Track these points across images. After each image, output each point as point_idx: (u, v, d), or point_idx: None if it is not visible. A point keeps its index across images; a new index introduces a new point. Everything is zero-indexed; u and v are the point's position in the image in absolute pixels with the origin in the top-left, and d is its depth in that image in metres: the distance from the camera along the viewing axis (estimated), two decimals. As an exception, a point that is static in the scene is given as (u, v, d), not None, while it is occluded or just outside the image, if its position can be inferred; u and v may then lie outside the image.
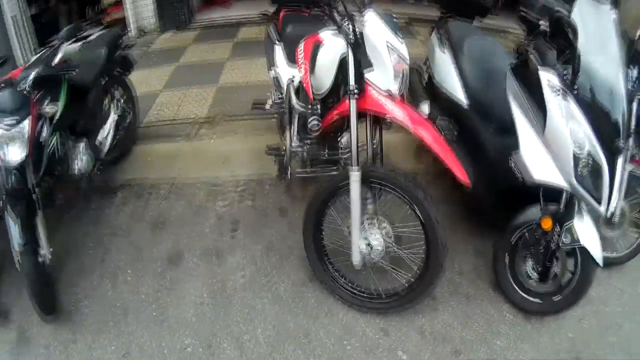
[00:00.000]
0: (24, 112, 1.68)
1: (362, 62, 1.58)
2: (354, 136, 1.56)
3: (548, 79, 1.58)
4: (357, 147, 1.57)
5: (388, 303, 1.78)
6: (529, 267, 1.83)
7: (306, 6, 2.12)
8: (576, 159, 1.52)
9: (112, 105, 2.53)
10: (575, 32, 1.52)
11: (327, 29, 1.79)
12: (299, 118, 1.97)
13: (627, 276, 2.01)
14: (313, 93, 1.79)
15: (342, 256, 1.80)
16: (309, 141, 1.99)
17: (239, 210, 2.39)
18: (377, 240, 1.66)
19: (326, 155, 2.02)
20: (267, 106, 2.47)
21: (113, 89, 2.59)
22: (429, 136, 1.51)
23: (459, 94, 2.13)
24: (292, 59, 2.14)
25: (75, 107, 2.11)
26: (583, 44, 1.52)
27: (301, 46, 1.83)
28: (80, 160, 2.13)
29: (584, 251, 1.61)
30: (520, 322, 1.81)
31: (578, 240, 1.60)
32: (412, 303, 1.76)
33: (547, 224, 1.66)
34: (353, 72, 1.55)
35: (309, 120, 1.72)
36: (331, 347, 1.70)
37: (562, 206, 1.64)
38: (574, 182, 1.54)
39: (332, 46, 1.69)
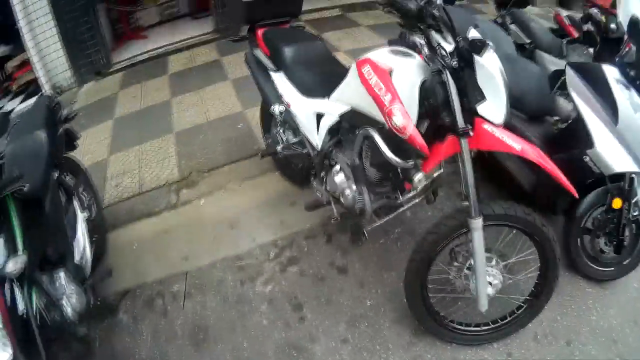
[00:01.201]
0: None
1: (469, 92, 1.32)
2: (471, 181, 1.36)
3: (613, 74, 1.70)
4: (477, 194, 1.37)
5: (505, 328, 1.73)
6: (601, 243, 1.99)
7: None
8: None
9: (73, 203, 1.92)
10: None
11: (385, 50, 1.49)
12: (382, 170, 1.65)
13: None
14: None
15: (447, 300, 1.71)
16: (381, 191, 1.70)
17: (289, 284, 1.99)
18: (495, 277, 1.56)
19: (395, 199, 1.74)
20: (279, 149, 2.10)
21: (65, 179, 1.97)
22: (539, 156, 1.39)
23: None
24: (305, 89, 1.88)
25: (34, 231, 1.49)
26: None
27: (371, 76, 1.44)
28: (70, 300, 1.50)
29: None
30: (600, 291, 1.99)
31: None
32: (531, 320, 1.75)
33: (617, 203, 1.83)
34: (459, 105, 1.31)
35: (415, 175, 1.48)
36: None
37: (626, 185, 1.80)
38: None
39: (406, 73, 1.40)
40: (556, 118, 2.16)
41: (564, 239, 2.02)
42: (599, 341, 1.80)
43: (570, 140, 1.84)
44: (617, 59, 1.80)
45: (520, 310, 1.70)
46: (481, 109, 1.31)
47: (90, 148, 3.10)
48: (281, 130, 2.11)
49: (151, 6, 4.89)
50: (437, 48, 1.31)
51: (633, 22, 1.73)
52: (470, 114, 1.32)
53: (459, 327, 1.70)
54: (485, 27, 2.15)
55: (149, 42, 4.57)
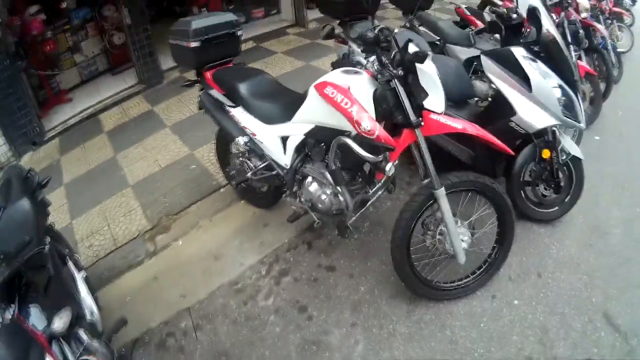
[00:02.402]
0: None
1: (415, 92, 1.69)
2: (429, 161, 1.73)
3: (520, 53, 2.18)
4: (434, 168, 1.73)
5: (483, 275, 2.08)
6: (541, 189, 2.49)
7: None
8: (559, 100, 2.14)
9: (68, 264, 2.00)
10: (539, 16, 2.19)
11: (337, 72, 1.83)
12: (343, 171, 1.94)
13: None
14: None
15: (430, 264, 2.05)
16: (354, 188, 2.00)
17: (288, 292, 2.23)
18: (464, 234, 1.94)
19: (366, 193, 2.05)
20: (249, 175, 2.34)
21: (55, 244, 2.03)
22: (477, 129, 1.77)
23: None
24: (266, 118, 2.14)
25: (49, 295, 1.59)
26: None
27: (335, 94, 1.74)
28: (97, 356, 1.52)
29: (574, 158, 2.34)
30: (552, 229, 2.50)
31: (569, 153, 2.30)
32: (502, 265, 2.13)
33: (546, 154, 2.31)
34: (409, 104, 1.67)
35: (387, 167, 1.77)
36: (475, 333, 1.94)
37: (550, 137, 2.28)
38: (563, 117, 2.16)
39: (361, 87, 1.74)
40: (476, 99, 2.63)
41: (509, 195, 2.44)
42: (564, 267, 2.24)
43: (496, 113, 2.30)
44: (521, 40, 2.32)
45: (490, 258, 2.07)
46: (426, 103, 1.70)
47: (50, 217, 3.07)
48: (246, 159, 2.34)
49: (70, 67, 4.88)
50: (386, 63, 1.68)
51: (531, 9, 2.25)
52: (419, 109, 1.70)
53: (446, 285, 2.04)
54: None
55: (76, 104, 4.56)
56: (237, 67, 2.50)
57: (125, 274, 2.51)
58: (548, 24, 2.24)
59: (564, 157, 2.36)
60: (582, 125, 2.27)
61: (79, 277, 1.95)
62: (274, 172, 2.22)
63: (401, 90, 1.67)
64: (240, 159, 2.36)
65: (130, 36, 4.59)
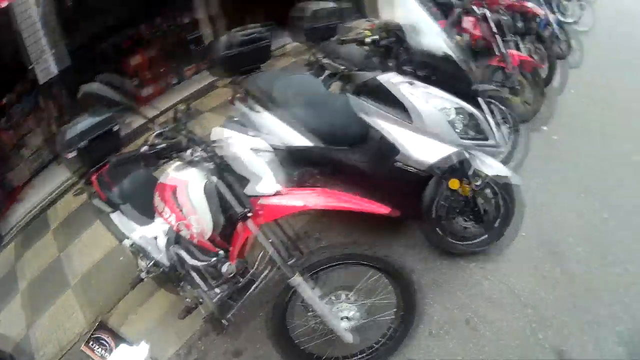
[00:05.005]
0: None
1: (234, 182, 1.65)
2: (273, 252, 1.68)
3: (389, 79, 2.04)
4: (285, 260, 1.69)
5: (389, 343, 1.99)
6: (461, 222, 2.37)
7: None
8: (451, 123, 2.00)
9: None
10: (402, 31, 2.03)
11: (170, 170, 1.84)
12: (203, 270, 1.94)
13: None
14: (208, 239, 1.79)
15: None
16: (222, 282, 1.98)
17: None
18: (350, 310, 1.85)
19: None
20: (144, 275, 2.35)
21: None
22: (338, 200, 1.67)
23: (303, 140, 2.27)
24: (139, 218, 2.18)
25: None
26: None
27: (159, 203, 1.80)
28: None
29: (498, 179, 2.18)
30: (485, 259, 2.44)
31: (486, 176, 2.14)
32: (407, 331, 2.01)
33: (454, 184, 2.16)
34: (231, 195, 1.62)
35: (223, 268, 1.75)
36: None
37: (457, 164, 2.12)
38: (460, 141, 2.02)
39: (194, 183, 1.73)
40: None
41: (425, 236, 2.41)
42: (500, 305, 2.18)
43: (382, 155, 2.18)
44: (395, 62, 2.16)
45: (394, 324, 1.97)
46: (250, 190, 1.66)
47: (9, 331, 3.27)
48: (139, 259, 2.35)
49: (19, 164, 5.09)
50: (200, 160, 1.67)
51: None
52: (247, 197, 1.64)
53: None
54: (289, 83, 2.56)
55: (26, 203, 4.76)
56: (117, 166, 2.51)
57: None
58: (432, 37, 2.10)
59: (479, 183, 2.24)
60: (492, 142, 2.13)
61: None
62: (161, 269, 2.23)
63: (220, 184, 1.65)
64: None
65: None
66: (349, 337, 1.81)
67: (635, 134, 3.80)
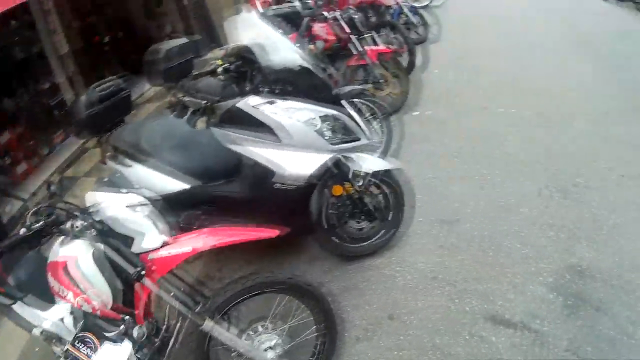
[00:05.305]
0: None
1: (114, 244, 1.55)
2: (175, 303, 1.60)
3: (249, 104, 2.04)
4: (192, 308, 1.61)
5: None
6: (354, 225, 2.43)
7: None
8: (319, 132, 2.05)
9: None
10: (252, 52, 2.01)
11: (56, 247, 1.66)
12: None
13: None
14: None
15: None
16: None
17: None
18: (271, 339, 1.78)
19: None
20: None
21: None
22: (226, 235, 1.63)
23: (179, 184, 2.19)
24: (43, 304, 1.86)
25: None
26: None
27: (54, 283, 1.62)
28: None
29: (378, 173, 2.25)
30: (392, 254, 2.51)
31: (367, 173, 2.21)
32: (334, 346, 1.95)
33: (337, 190, 2.24)
34: (119, 257, 1.53)
35: (133, 333, 1.60)
36: None
37: (334, 170, 2.17)
38: (332, 147, 2.08)
39: (80, 255, 1.58)
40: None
41: (324, 247, 2.43)
42: (418, 292, 2.23)
43: (259, 180, 2.15)
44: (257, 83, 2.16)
45: (319, 341, 1.91)
46: (137, 248, 1.57)
47: None
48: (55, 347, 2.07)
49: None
50: (82, 230, 1.52)
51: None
52: (137, 256, 1.55)
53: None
54: (154, 129, 2.44)
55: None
56: (4, 255, 2.22)
57: None
58: (284, 52, 2.13)
59: (361, 182, 2.30)
60: (365, 140, 2.23)
61: None
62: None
63: (107, 249, 1.54)
64: None
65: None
66: None
67: (494, 90, 4.41)
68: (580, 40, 6.05)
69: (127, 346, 1.59)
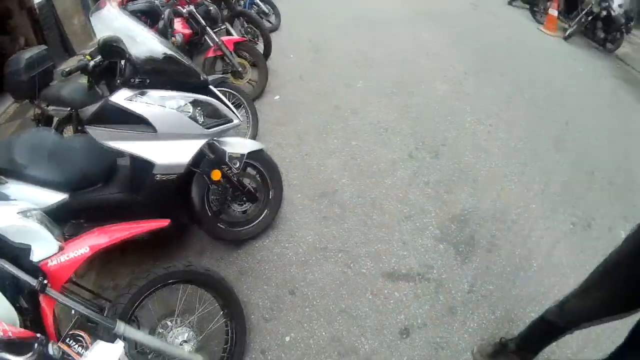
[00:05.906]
0: None
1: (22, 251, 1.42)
2: (89, 312, 1.43)
3: (120, 97, 1.95)
4: (100, 313, 1.53)
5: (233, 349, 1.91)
6: (237, 208, 2.47)
7: None
8: (192, 117, 2.04)
9: None
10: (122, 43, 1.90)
11: None
12: None
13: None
14: None
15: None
16: None
17: None
18: (183, 333, 1.75)
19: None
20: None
21: None
22: (118, 231, 1.59)
23: (57, 195, 2.02)
24: None
25: None
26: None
27: None
28: None
29: (253, 155, 2.33)
30: (279, 232, 2.54)
31: (242, 155, 2.25)
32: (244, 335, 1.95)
33: (216, 175, 2.24)
34: (20, 270, 1.36)
35: (49, 351, 1.32)
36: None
37: (211, 155, 2.19)
38: (207, 131, 2.09)
39: None
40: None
41: (210, 234, 2.39)
42: (310, 265, 2.29)
43: (139, 175, 2.07)
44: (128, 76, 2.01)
45: (229, 328, 1.89)
46: (36, 256, 1.43)
47: None
48: None
49: None
50: None
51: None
52: (37, 265, 1.42)
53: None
54: (23, 143, 2.07)
55: None
56: None
57: None
58: (149, 43, 2.07)
59: (237, 164, 2.29)
60: (237, 121, 2.25)
61: None
62: None
63: (4, 263, 1.32)
64: None
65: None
66: (198, 359, 1.67)
67: (352, 69, 4.66)
68: (433, 16, 6.63)
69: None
